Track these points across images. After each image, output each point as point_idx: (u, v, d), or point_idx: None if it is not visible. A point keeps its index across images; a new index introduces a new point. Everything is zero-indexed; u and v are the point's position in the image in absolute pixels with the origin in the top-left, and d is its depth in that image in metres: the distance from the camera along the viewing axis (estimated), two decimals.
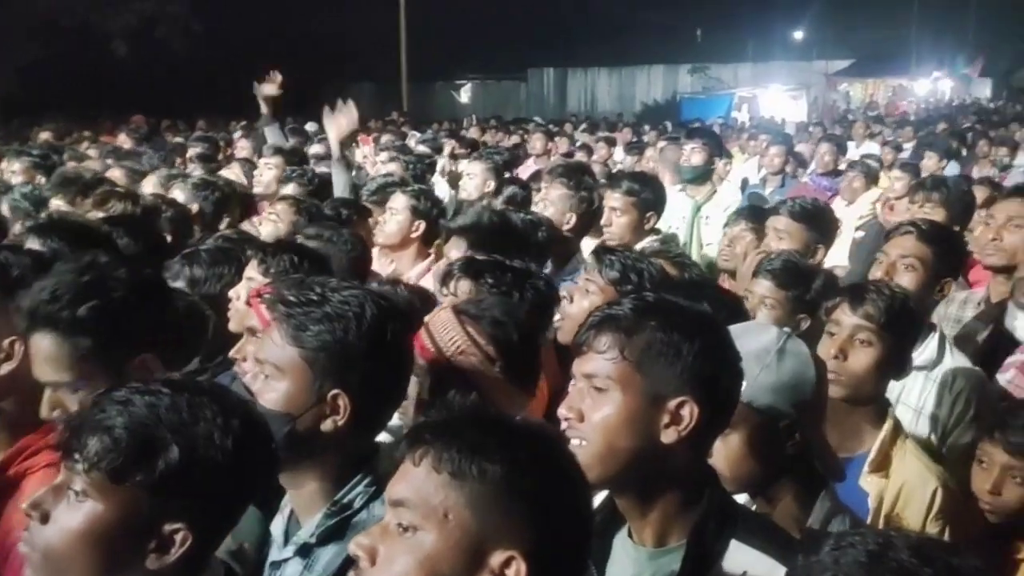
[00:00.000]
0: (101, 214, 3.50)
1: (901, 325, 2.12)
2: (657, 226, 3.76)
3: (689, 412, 1.40)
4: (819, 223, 3.37)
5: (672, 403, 1.40)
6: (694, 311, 1.52)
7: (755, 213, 3.75)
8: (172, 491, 1.25)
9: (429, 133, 11.84)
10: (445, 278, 2.39)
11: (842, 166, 6.88)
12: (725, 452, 1.62)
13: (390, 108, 20.40)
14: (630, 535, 1.48)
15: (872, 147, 10.27)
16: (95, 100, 12.87)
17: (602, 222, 3.66)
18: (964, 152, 9.35)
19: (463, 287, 2.28)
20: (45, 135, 9.05)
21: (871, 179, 6.25)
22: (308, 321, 1.54)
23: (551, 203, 3.62)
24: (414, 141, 8.94)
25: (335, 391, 1.53)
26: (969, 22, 33.98)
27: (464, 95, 31.27)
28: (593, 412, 1.42)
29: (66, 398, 1.71)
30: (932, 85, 31.12)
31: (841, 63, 30.64)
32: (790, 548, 1.41)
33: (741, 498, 1.71)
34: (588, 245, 3.82)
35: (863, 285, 2.26)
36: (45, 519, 1.26)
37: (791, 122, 17.72)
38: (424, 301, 2.47)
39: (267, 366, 1.55)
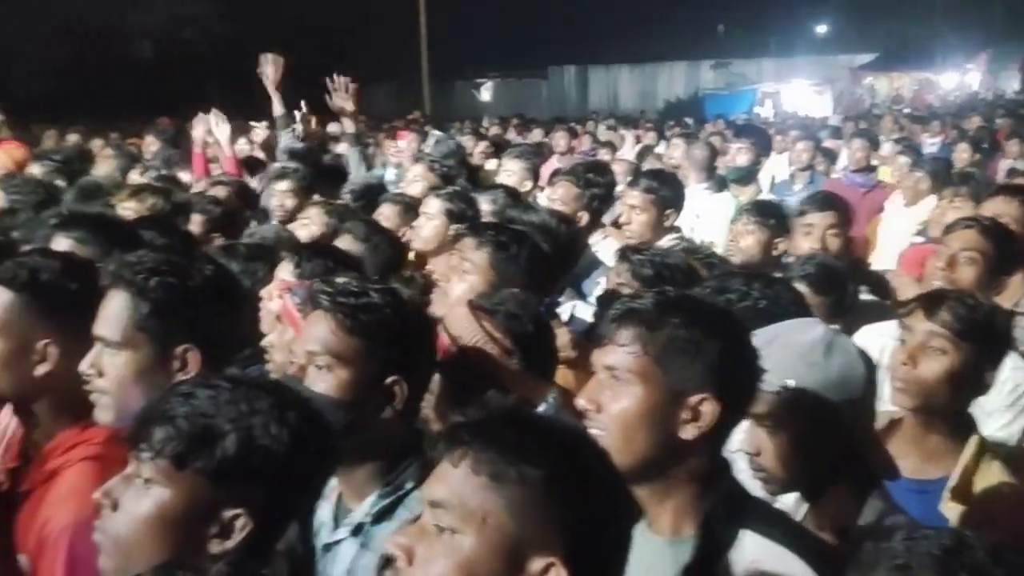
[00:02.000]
0: (135, 204, 3.60)
1: (981, 336, 2.00)
2: (677, 223, 3.78)
3: (710, 410, 1.41)
4: (841, 212, 3.40)
5: (692, 399, 1.41)
6: (715, 308, 1.53)
7: (760, 208, 3.71)
8: (231, 478, 1.31)
9: (453, 132, 11.84)
10: (455, 239, 2.55)
11: (874, 162, 6.78)
12: (775, 451, 1.61)
13: (411, 108, 20.44)
14: (648, 525, 1.49)
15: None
16: (122, 101, 13.00)
17: (621, 220, 3.72)
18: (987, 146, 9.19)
19: (467, 243, 2.43)
20: (74, 138, 9.13)
21: (939, 182, 5.44)
22: (360, 311, 1.61)
23: (561, 203, 3.67)
24: (433, 140, 8.93)
25: (394, 378, 1.61)
26: (996, 13, 33.52)
27: (485, 94, 31.27)
28: (612, 404, 1.43)
29: (105, 359, 1.75)
30: (960, 78, 30.75)
31: (866, 57, 30.34)
32: (806, 540, 1.44)
33: (790, 497, 1.71)
34: (609, 245, 3.84)
35: (943, 292, 2.18)
36: (115, 507, 1.33)
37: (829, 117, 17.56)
38: None
39: (322, 356, 1.61)
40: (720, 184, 5.40)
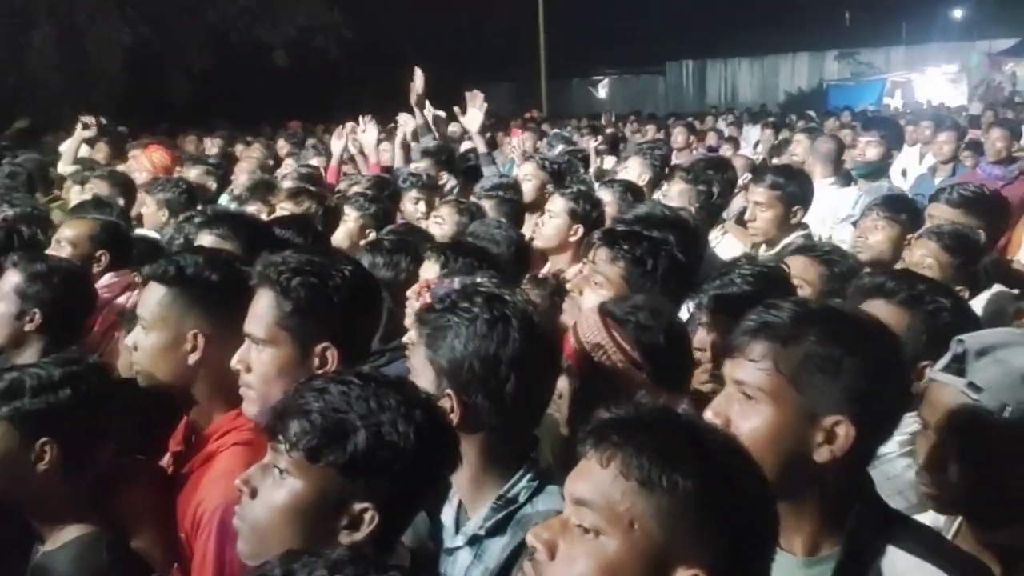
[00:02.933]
0: (291, 206, 3.79)
1: None
2: (804, 220, 3.70)
3: (845, 432, 1.33)
4: (981, 210, 3.18)
5: (827, 421, 1.33)
6: (860, 322, 1.41)
7: (891, 203, 3.54)
8: (360, 472, 1.36)
9: (568, 130, 11.88)
10: (586, 247, 2.46)
11: (1018, 153, 6.39)
12: (966, 472, 1.48)
13: (528, 106, 20.60)
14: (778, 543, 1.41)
15: None
16: (257, 107, 13.69)
17: (746, 217, 3.65)
18: None
19: (601, 254, 2.34)
20: (217, 142, 9.69)
21: None
22: (442, 335, 1.63)
23: (672, 198, 3.71)
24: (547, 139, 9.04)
25: (477, 397, 1.61)
26: None
27: (602, 91, 31.17)
28: (741, 421, 1.36)
29: (252, 355, 1.82)
30: None
31: (1006, 42, 28.53)
32: (958, 559, 1.35)
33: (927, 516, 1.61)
34: (728, 242, 3.81)
35: None
36: (254, 494, 1.41)
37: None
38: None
39: (419, 377, 1.65)
40: (847, 179, 5.25)
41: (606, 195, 4.01)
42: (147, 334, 1.98)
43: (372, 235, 3.84)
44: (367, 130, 5.81)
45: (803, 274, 2.49)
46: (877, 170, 4.92)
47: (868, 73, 27.91)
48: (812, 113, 16.11)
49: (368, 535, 1.36)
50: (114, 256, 3.30)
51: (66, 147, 6.66)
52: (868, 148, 4.88)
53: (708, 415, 1.41)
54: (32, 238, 3.44)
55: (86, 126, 6.59)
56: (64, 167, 6.21)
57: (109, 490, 1.98)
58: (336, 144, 5.91)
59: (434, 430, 1.41)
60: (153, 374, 1.99)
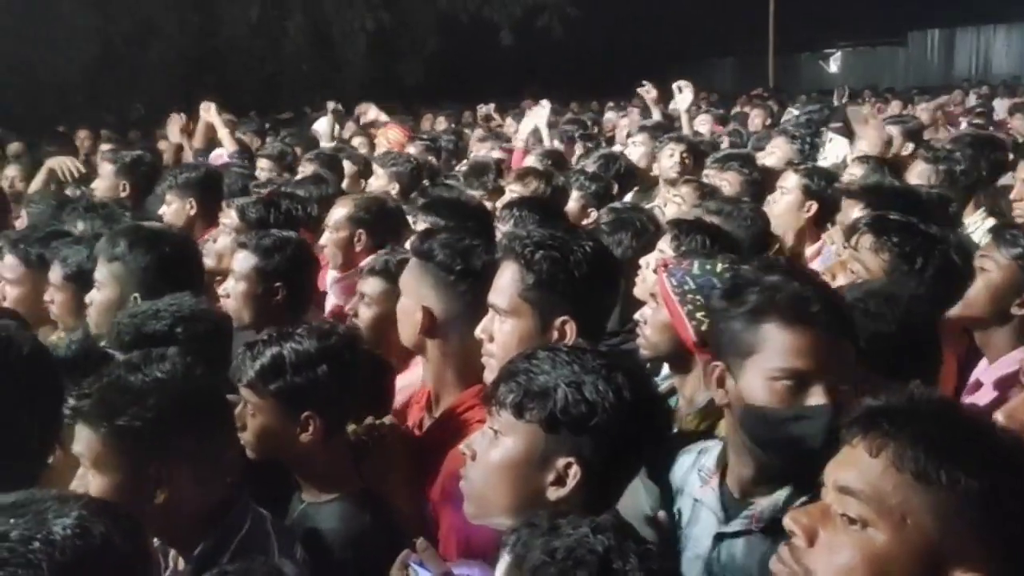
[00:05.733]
0: (519, 187, 3.93)
1: None
2: None
3: None
4: None
5: None
6: None
7: None
8: (562, 427, 1.45)
9: (799, 106, 11.35)
10: (850, 231, 2.35)
11: None
12: None
13: (752, 82, 19.85)
14: None
15: None
16: (485, 86, 14.23)
17: (1012, 196, 3.39)
18: None
19: (865, 242, 2.20)
20: (441, 120, 10.24)
21: None
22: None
23: (915, 176, 3.53)
24: (795, 113, 8.73)
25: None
26: None
27: (833, 65, 29.36)
28: None
29: (495, 325, 1.91)
30: None
31: None
32: None
33: None
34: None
35: None
36: (475, 457, 1.53)
37: None
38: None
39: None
40: None
41: (857, 171, 3.84)
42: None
43: (593, 214, 3.93)
44: (540, 113, 6.15)
45: None
46: None
47: None
48: None
49: (573, 490, 1.44)
50: (374, 234, 3.34)
51: (323, 128, 7.40)
52: None
53: (999, 418, 1.33)
54: (288, 213, 3.55)
55: (336, 110, 7.42)
56: (325, 143, 6.92)
57: (363, 453, 2.10)
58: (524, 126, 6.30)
59: (635, 394, 1.46)
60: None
